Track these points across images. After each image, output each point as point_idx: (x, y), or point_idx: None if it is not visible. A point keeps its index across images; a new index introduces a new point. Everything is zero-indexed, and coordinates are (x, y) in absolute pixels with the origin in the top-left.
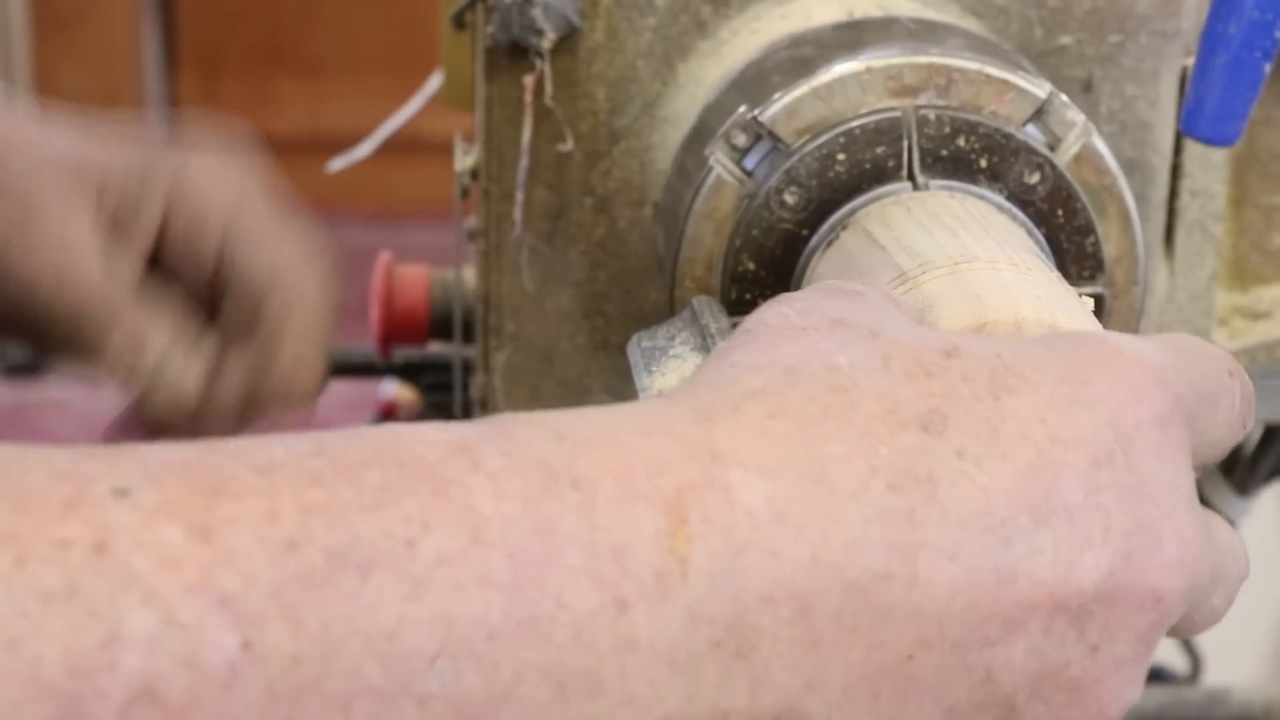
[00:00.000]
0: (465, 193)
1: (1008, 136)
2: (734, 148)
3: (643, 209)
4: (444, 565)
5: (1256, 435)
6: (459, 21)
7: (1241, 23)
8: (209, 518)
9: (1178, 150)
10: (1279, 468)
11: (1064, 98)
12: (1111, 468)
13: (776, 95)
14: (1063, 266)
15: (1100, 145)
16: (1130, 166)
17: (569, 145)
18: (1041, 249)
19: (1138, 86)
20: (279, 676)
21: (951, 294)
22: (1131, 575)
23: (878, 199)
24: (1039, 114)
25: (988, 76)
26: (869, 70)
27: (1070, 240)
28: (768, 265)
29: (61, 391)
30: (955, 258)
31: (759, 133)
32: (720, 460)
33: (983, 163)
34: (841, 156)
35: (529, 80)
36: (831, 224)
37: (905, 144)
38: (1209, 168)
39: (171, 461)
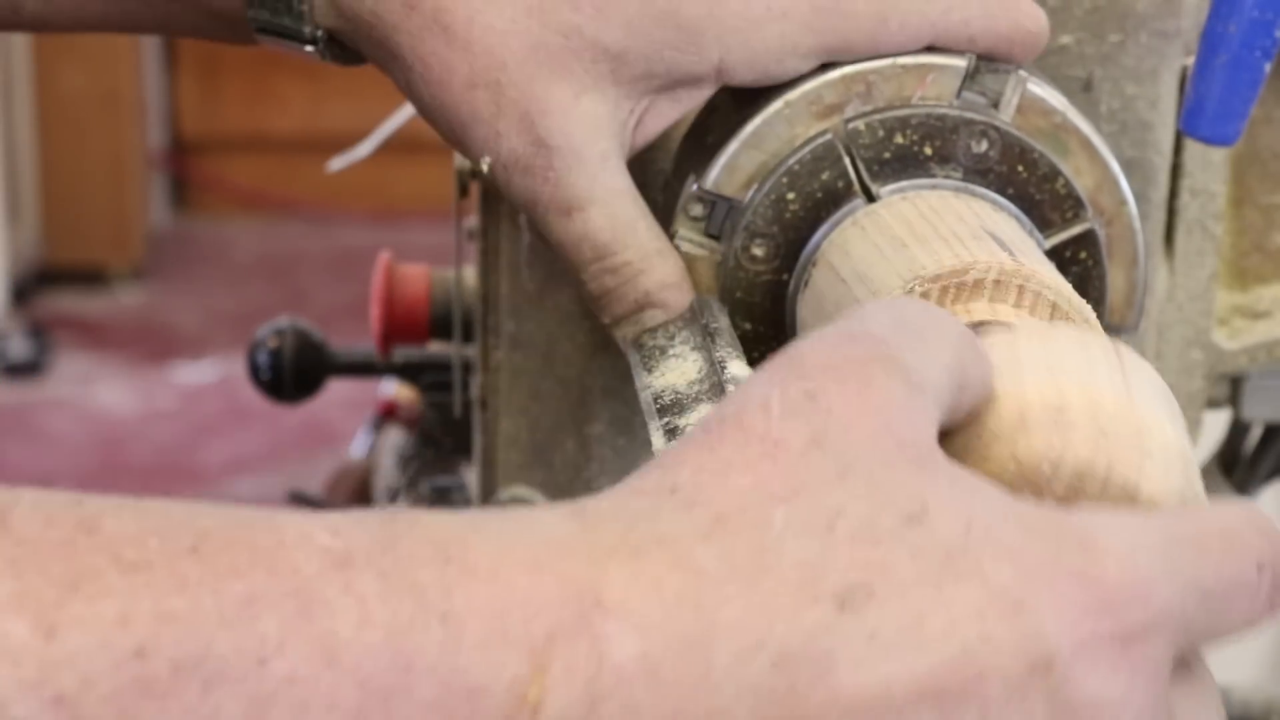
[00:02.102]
0: (465, 192)
1: (941, 117)
2: (694, 219)
3: None
4: (292, 686)
5: (1256, 435)
6: None
7: (1241, 22)
8: (58, 615)
9: (1178, 150)
10: (1279, 468)
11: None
12: (1046, 681)
13: (715, 157)
14: (1043, 217)
15: (1038, 88)
16: (1130, 166)
17: None
18: (1012, 212)
19: (1138, 86)
20: None
21: None
22: None
23: (838, 224)
24: (969, 81)
25: (903, 67)
26: (788, 104)
27: (1041, 189)
28: (762, 320)
29: (61, 391)
30: (905, 277)
31: (710, 199)
32: (601, 609)
33: (927, 150)
34: (791, 195)
35: None
36: (803, 263)
37: (846, 162)
38: (1209, 167)
39: (40, 543)
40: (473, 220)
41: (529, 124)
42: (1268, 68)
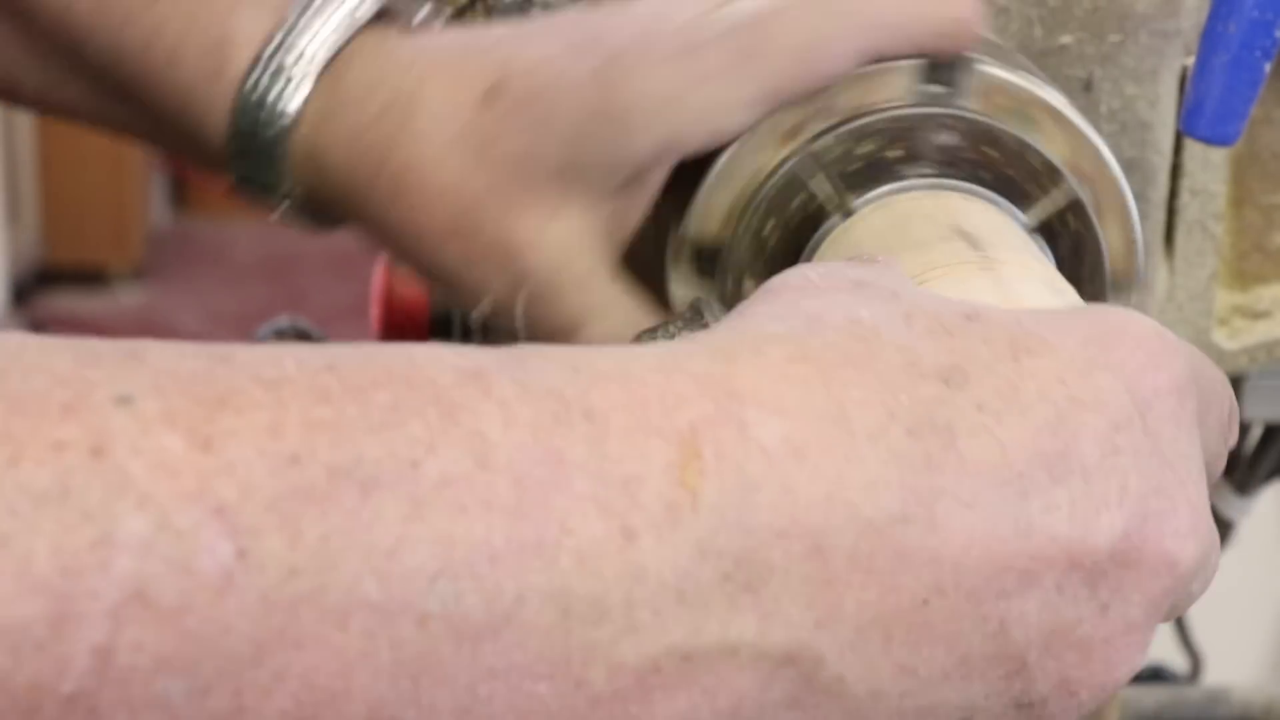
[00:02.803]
0: None
1: (901, 117)
2: (681, 268)
3: None
4: (447, 487)
5: (1256, 435)
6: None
7: (1241, 22)
8: (210, 429)
9: (1178, 150)
10: (1279, 468)
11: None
12: (1129, 432)
13: (690, 204)
14: (1023, 193)
15: (993, 68)
16: (1130, 166)
17: None
18: (988, 198)
19: (1138, 86)
20: (274, 587)
21: None
22: (1147, 539)
23: (816, 246)
24: (928, 77)
25: (856, 75)
26: (749, 135)
27: (1015, 167)
28: None
29: None
30: None
31: (696, 248)
32: (737, 398)
33: (895, 153)
34: (770, 225)
35: None
36: None
37: (815, 182)
38: (1209, 167)
39: (177, 371)
40: None
41: (507, 262)
42: (1268, 68)
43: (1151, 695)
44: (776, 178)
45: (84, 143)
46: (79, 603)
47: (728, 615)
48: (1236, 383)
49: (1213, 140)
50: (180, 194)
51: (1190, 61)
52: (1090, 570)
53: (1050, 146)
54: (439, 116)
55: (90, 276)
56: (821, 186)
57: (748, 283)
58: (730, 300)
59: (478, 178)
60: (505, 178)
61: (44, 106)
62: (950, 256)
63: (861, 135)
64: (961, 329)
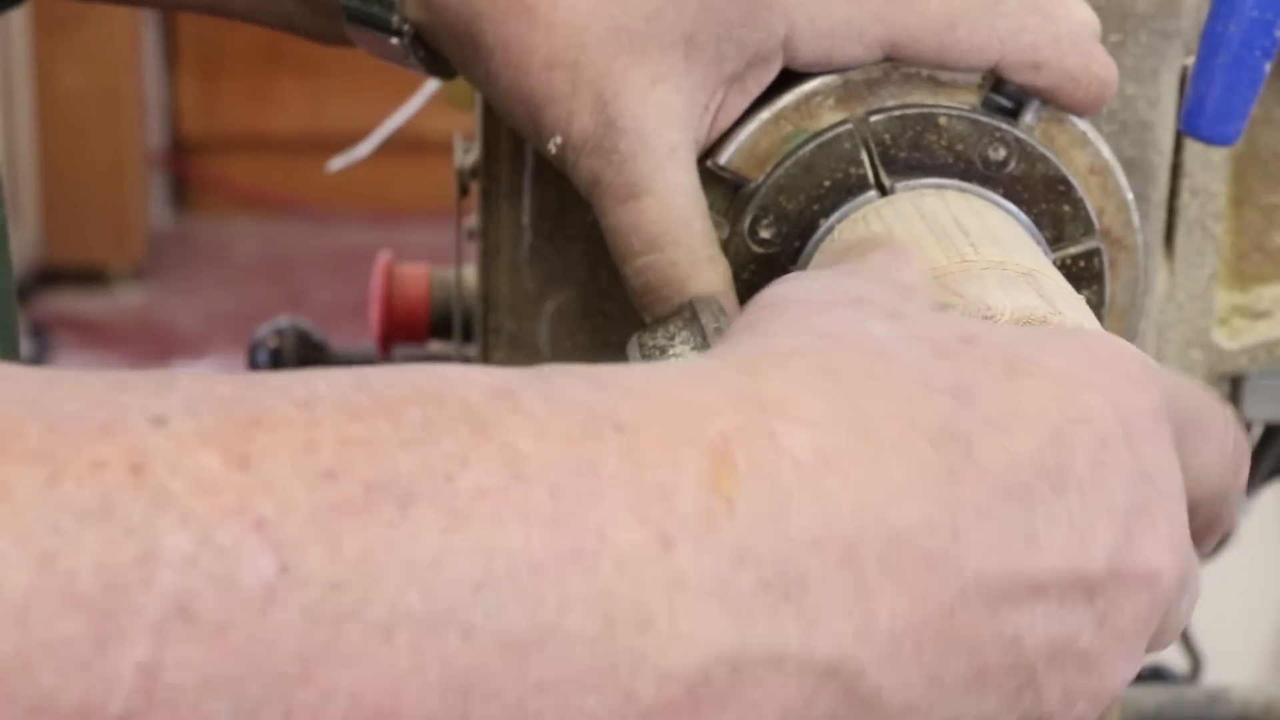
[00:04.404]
0: (465, 192)
1: (963, 119)
2: (706, 193)
3: None
4: (483, 499)
5: (1256, 435)
6: None
7: (1241, 22)
8: (246, 447)
9: (1178, 149)
10: (1279, 468)
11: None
12: (1116, 449)
13: (733, 134)
14: (1049, 227)
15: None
16: (1130, 166)
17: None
18: (1020, 219)
19: (1138, 86)
20: (317, 602)
21: None
22: (1134, 553)
23: (847, 215)
24: (999, 89)
25: (930, 77)
26: (812, 91)
27: (1050, 201)
28: None
29: None
30: None
31: (724, 176)
32: (766, 410)
33: (945, 151)
34: (805, 181)
35: None
36: (809, 249)
37: (863, 154)
38: (1209, 167)
39: (209, 394)
40: (473, 220)
41: (602, 104)
42: (1268, 68)
43: (1151, 695)
44: (827, 138)
45: (84, 143)
46: (123, 619)
47: (771, 624)
48: (1236, 383)
49: (1213, 140)
50: (180, 194)
51: (1190, 61)
52: (1088, 584)
53: (1088, 195)
54: None
55: (90, 276)
56: (868, 160)
57: (764, 229)
58: (741, 238)
59: (602, 18)
60: (637, 24)
61: None
62: (976, 256)
63: (920, 124)
64: (959, 351)
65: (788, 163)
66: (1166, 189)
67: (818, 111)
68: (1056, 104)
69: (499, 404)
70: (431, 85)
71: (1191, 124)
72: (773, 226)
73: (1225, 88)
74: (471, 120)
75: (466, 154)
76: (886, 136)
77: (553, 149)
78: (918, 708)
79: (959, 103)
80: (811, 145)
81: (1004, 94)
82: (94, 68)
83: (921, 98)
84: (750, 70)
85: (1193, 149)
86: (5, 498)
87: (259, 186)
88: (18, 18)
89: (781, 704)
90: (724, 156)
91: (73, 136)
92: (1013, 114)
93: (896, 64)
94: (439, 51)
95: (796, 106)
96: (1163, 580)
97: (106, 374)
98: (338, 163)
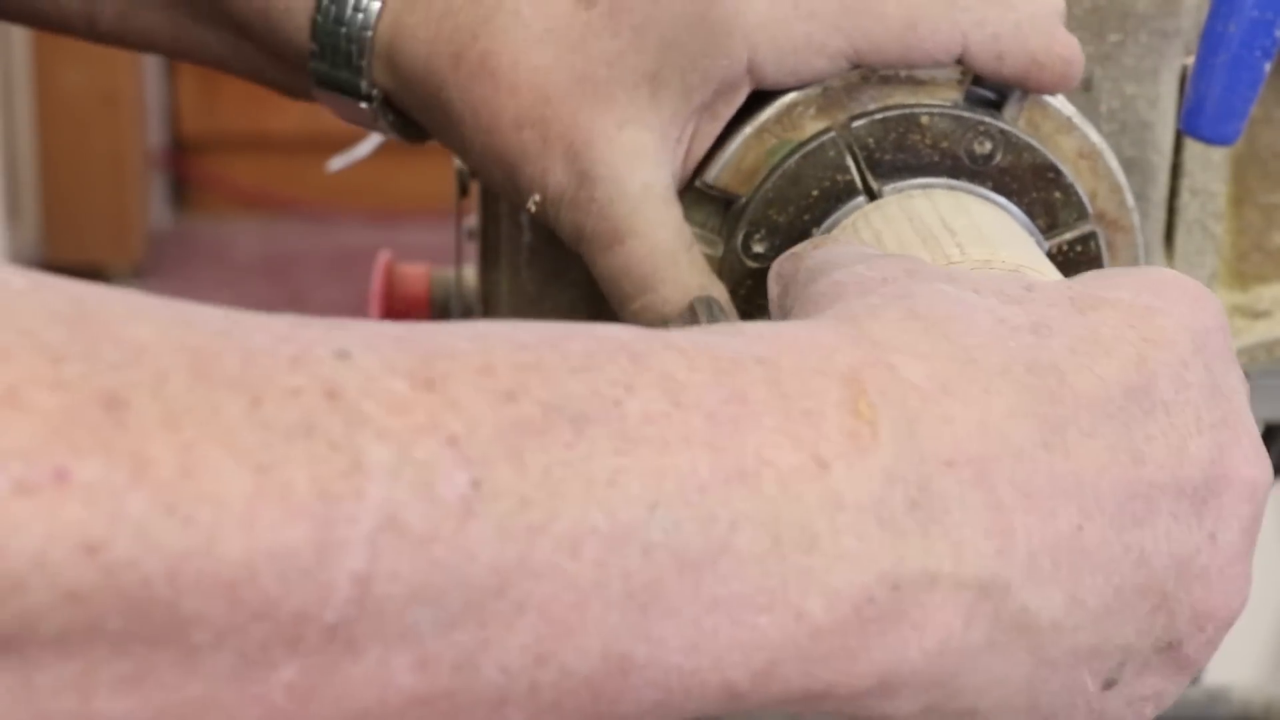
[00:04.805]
0: (465, 192)
1: (945, 116)
2: (697, 213)
3: None
4: (649, 424)
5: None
6: None
7: (1241, 22)
8: (429, 372)
9: (1178, 149)
10: (1279, 467)
11: None
12: (1194, 369)
13: (719, 152)
14: (1042, 215)
15: (1046, 96)
16: (1130, 166)
17: None
18: (1012, 211)
19: (1137, 85)
20: (509, 515)
21: None
22: (1227, 465)
23: (838, 223)
24: (980, 82)
25: (910, 77)
26: (793, 102)
27: (1041, 189)
28: (763, 316)
29: None
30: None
31: (713, 195)
32: (879, 347)
33: (930, 149)
34: (794, 192)
35: None
36: None
37: (848, 160)
38: (1209, 166)
39: (384, 333)
40: (473, 220)
41: (574, 156)
42: (1268, 68)
43: None
44: (811, 147)
45: (84, 142)
46: (340, 528)
47: (924, 543)
48: None
49: (1213, 140)
50: (180, 194)
51: (1190, 61)
52: (1193, 497)
53: (1079, 179)
54: (532, 7)
55: (90, 276)
56: (854, 166)
57: (757, 243)
58: (735, 254)
59: (564, 71)
60: (592, 75)
61: (122, 36)
62: (963, 256)
63: (903, 125)
64: (1025, 297)
65: (774, 176)
66: (1166, 189)
67: (800, 122)
68: (1026, 89)
69: (651, 340)
70: None
71: (1191, 124)
72: (765, 240)
73: (1225, 87)
74: None
75: None
76: (870, 140)
77: (532, 207)
78: (1063, 627)
79: (940, 100)
80: (796, 156)
81: (985, 86)
82: (94, 68)
83: (902, 98)
84: (719, 97)
85: (1193, 149)
86: (214, 418)
87: (259, 186)
88: None
89: (942, 625)
90: (711, 174)
91: (73, 136)
92: (996, 105)
93: (873, 67)
94: (409, 117)
95: (778, 119)
96: (1260, 490)
97: (284, 315)
98: (338, 163)
